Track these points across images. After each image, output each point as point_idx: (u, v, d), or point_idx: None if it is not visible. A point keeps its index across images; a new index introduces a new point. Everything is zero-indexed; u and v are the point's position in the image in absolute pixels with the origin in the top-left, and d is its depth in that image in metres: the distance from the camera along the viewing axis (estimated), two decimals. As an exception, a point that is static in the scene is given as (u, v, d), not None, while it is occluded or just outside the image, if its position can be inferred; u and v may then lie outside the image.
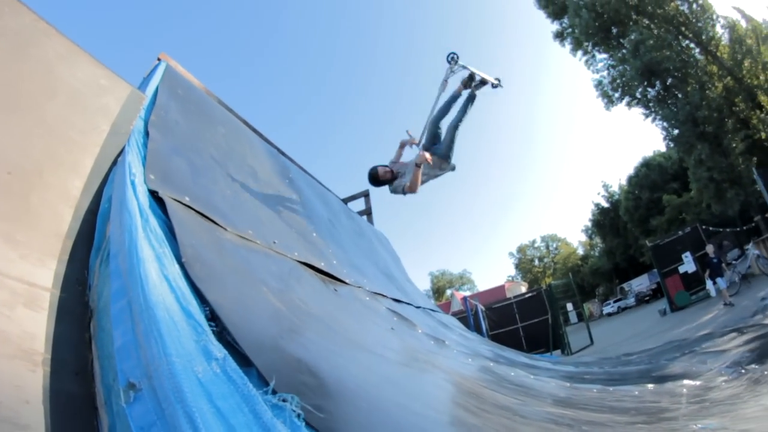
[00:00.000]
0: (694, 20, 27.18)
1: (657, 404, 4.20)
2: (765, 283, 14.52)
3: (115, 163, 2.62)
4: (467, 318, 16.05)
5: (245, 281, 2.46)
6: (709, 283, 14.85)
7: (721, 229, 22.59)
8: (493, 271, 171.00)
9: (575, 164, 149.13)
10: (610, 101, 30.28)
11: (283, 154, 6.91)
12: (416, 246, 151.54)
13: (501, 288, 67.81)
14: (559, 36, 31.93)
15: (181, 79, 4.42)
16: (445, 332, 7.04)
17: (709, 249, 15.11)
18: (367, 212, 11.40)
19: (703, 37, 27.05)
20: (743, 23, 28.58)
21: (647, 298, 44.83)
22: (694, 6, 27.28)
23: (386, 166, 5.41)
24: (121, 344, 1.40)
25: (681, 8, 27.57)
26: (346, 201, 10.48)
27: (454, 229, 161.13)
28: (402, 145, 5.57)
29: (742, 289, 15.13)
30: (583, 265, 75.41)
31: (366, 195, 11.49)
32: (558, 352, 18.21)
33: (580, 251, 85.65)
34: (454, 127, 5.29)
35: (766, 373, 4.45)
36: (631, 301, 50.58)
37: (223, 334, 1.57)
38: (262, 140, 6.24)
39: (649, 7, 27.48)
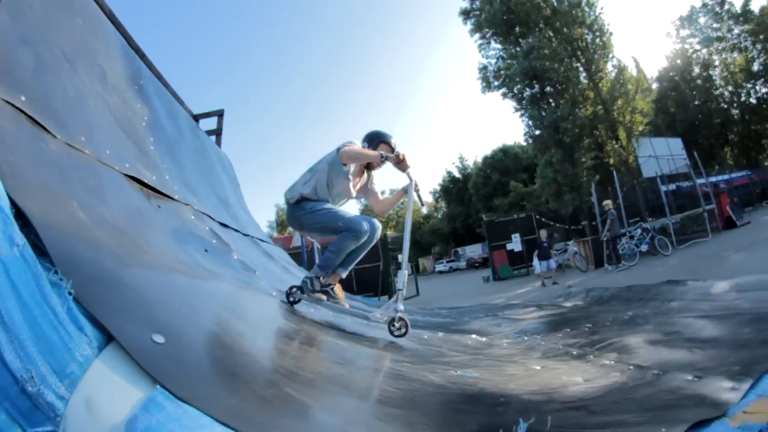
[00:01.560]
0: (591, 50, 29.22)
1: (436, 348, 4.57)
2: (576, 275, 16.58)
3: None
4: (302, 254, 15.51)
5: (57, 196, 2.48)
6: (535, 261, 16.40)
7: (552, 223, 24.79)
8: None
9: (442, 130, 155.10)
10: (488, 86, 31.20)
11: (141, 56, 6.33)
12: (268, 175, 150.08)
13: (344, 229, 70.84)
14: (465, 14, 31.99)
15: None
16: (265, 262, 7.02)
17: (543, 234, 16.77)
18: (217, 132, 10.87)
19: (593, 67, 29.23)
20: (632, 71, 32.13)
21: (477, 264, 48.94)
22: (597, 40, 29.29)
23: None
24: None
25: (585, 36, 29.37)
26: (198, 117, 9.81)
27: (309, 163, 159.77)
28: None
29: (558, 274, 16.96)
30: (424, 223, 78.57)
31: (220, 114, 10.88)
32: (386, 297, 18.45)
33: (425, 211, 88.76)
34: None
35: (542, 343, 5.02)
36: (463, 264, 55.50)
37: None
38: (122, 37, 5.66)
39: (558, 24, 28.85)
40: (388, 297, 18.52)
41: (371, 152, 4.51)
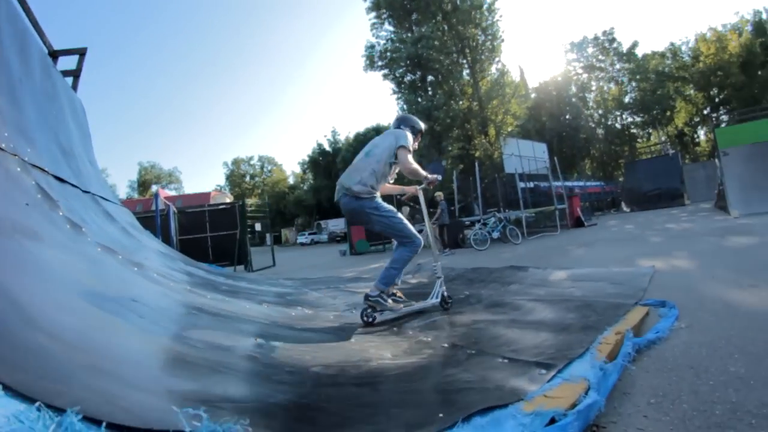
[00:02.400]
0: (480, 51, 30.28)
1: (253, 318, 4.47)
2: (430, 255, 16.78)
3: None
4: (155, 217, 14.52)
5: None
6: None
7: (412, 204, 25.21)
8: (204, 176, 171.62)
9: (321, 103, 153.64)
10: (371, 65, 31.14)
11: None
12: (136, 132, 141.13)
13: (207, 195, 67.96)
14: (365, -10, 31.66)
15: None
16: (100, 222, 6.33)
17: (405, 211, 16.61)
18: (76, 74, 9.44)
19: (477, 66, 30.37)
20: (516, 78, 33.37)
21: (338, 238, 49.03)
22: (488, 43, 30.52)
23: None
24: None
25: (477, 36, 30.36)
26: (56, 54, 8.72)
27: (179, 123, 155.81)
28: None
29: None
30: (289, 193, 78.44)
31: (82, 53, 9.45)
32: (241, 267, 18.28)
33: (291, 181, 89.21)
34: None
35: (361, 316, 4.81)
36: (324, 237, 55.60)
37: None
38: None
39: (455, 20, 29.46)
40: (245, 267, 18.23)
41: (421, 174, 4.90)
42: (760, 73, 46.75)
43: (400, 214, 4.88)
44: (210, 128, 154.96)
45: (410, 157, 4.80)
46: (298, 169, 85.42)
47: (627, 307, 4.45)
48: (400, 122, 5.38)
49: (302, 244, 57.44)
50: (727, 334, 3.54)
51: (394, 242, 5.12)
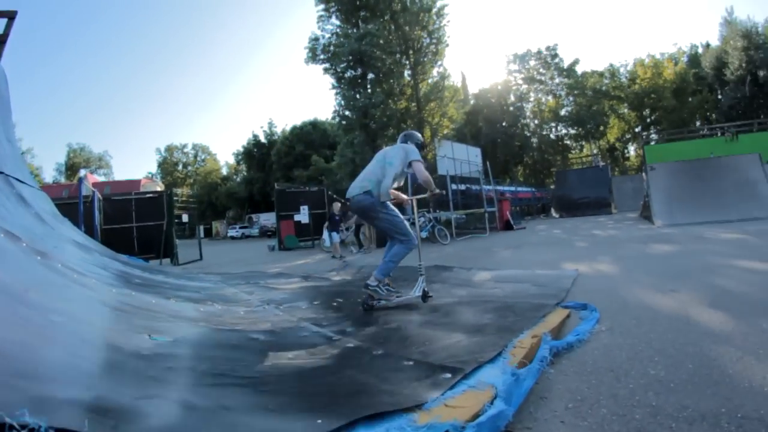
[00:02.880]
0: (423, 53, 30.57)
1: (153, 313, 4.30)
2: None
3: None
4: (78, 204, 13.37)
5: None
6: (325, 234, 16.30)
7: (343, 200, 25.05)
8: (136, 163, 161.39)
9: (261, 92, 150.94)
10: (312, 58, 30.56)
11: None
12: (65, 107, 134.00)
13: (137, 182, 66.09)
14: (318, -17, 31.30)
15: None
16: (10, 206, 5.80)
17: (336, 207, 16.52)
18: (2, 39, 8.30)
19: (419, 68, 30.60)
20: (457, 83, 33.77)
21: (270, 233, 47.20)
22: (432, 47, 30.76)
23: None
24: None
25: (423, 39, 30.64)
26: None
27: (114, 104, 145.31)
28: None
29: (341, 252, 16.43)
30: (222, 185, 76.07)
31: (11, 17, 8.32)
32: (167, 260, 17.70)
33: (224, 171, 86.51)
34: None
35: (279, 313, 5.10)
36: (255, 231, 53.77)
37: None
38: None
39: (402, 20, 29.56)
40: (171, 260, 17.62)
41: (432, 186, 5.59)
42: (690, 99, 50.77)
43: (404, 217, 5.58)
44: (146, 111, 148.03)
45: (424, 168, 5.46)
46: (232, 160, 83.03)
47: (548, 308, 4.46)
48: (407, 138, 5.97)
49: (233, 238, 55.79)
50: (647, 338, 3.60)
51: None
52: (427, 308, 4.98)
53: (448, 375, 2.60)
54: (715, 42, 52.78)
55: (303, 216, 21.64)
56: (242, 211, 69.66)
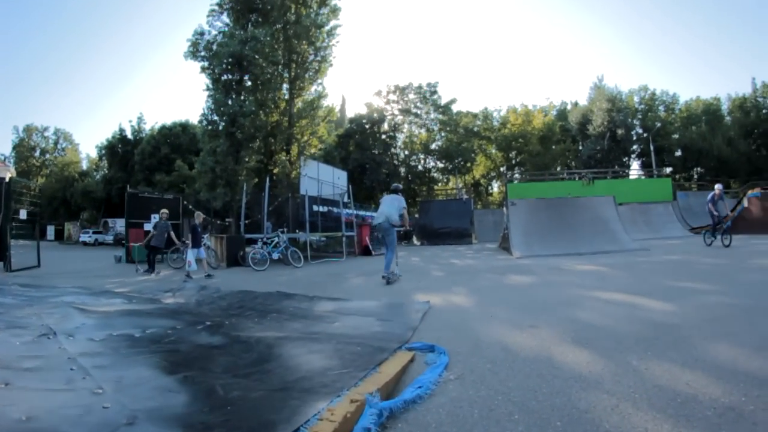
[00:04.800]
0: (305, 69, 30.28)
1: None
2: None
3: None
4: None
5: None
6: (189, 254, 14.22)
7: (197, 212, 24.36)
8: None
9: (136, 79, 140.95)
10: (193, 54, 28.56)
11: None
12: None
13: (-22, 164, 59.49)
14: (217, -24, 29.82)
15: None
16: None
17: (198, 218, 14.93)
18: None
19: (298, 83, 30.17)
20: (335, 104, 34.04)
21: (124, 241, 44.92)
22: (315, 63, 30.70)
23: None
24: None
25: (308, 54, 30.40)
26: None
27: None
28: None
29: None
30: (79, 181, 65.92)
31: None
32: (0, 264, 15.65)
33: (84, 166, 76.59)
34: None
35: (52, 345, 4.39)
36: (110, 238, 49.39)
37: None
38: None
39: (292, 31, 29.00)
40: (3, 265, 15.66)
41: (407, 223, 11.56)
42: (554, 147, 56.62)
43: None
44: (8, 81, 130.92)
45: (406, 212, 10.66)
46: (94, 154, 72.10)
47: (388, 352, 3.98)
48: (397, 191, 11.11)
49: (85, 244, 49.97)
50: (505, 388, 3.14)
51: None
52: (242, 347, 4.33)
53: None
54: (583, 101, 62.28)
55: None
56: (98, 214, 61.54)
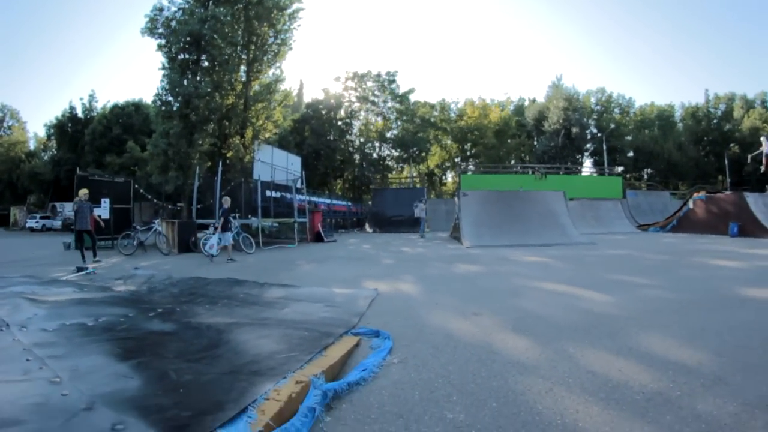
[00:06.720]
0: (264, 51, 29.94)
1: None
2: (155, 256, 15.17)
3: None
4: None
5: None
6: (213, 238, 14.19)
7: (149, 196, 25.16)
8: None
9: (89, 54, 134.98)
10: (150, 31, 26.75)
11: None
12: None
13: None
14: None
15: None
16: None
17: (227, 202, 14.58)
18: None
19: (255, 65, 29.77)
20: (292, 88, 33.75)
21: (74, 227, 42.98)
22: (275, 46, 30.35)
23: None
24: None
25: (268, 37, 30.03)
26: None
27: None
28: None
29: (138, 253, 15.79)
30: (26, 161, 61.62)
31: None
32: None
33: (32, 146, 69.64)
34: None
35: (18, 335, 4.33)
36: (58, 223, 47.03)
37: None
38: None
39: (254, 12, 28.50)
40: None
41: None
42: (509, 141, 59.21)
43: None
44: None
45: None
46: (42, 133, 66.58)
47: (334, 337, 4.09)
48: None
49: (32, 230, 47.05)
50: (445, 371, 3.27)
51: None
52: (191, 333, 4.36)
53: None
54: (541, 99, 65.09)
55: (103, 210, 19.08)
56: (45, 198, 57.97)
